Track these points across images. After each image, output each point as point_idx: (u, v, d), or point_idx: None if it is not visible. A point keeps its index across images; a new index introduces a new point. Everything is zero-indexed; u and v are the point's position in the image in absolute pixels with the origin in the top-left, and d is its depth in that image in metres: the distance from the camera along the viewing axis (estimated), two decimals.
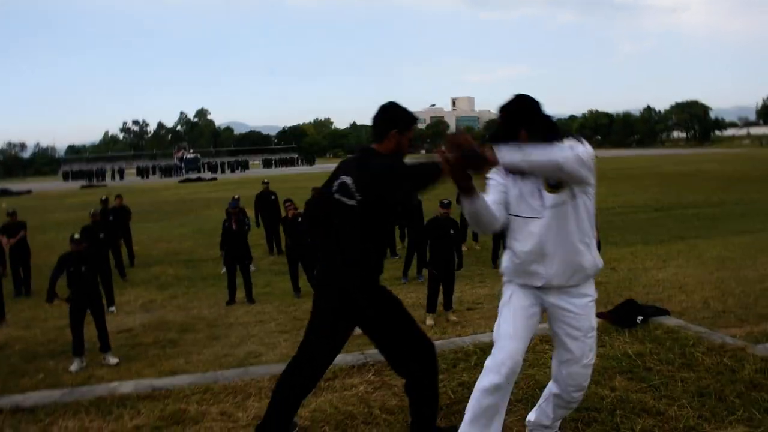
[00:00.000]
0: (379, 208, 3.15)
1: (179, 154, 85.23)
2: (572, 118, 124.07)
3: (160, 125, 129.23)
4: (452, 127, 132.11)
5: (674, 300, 8.51)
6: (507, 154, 2.54)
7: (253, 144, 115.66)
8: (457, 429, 3.31)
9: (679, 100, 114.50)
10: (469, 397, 3.02)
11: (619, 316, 5.04)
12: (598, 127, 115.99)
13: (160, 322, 9.71)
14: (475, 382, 3.87)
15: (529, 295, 2.98)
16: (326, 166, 75.86)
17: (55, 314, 10.50)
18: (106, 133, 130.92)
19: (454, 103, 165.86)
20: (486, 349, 4.37)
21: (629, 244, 14.18)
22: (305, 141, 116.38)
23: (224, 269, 11.13)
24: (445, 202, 8.71)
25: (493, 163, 2.56)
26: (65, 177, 75.81)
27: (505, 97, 2.89)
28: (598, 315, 5.16)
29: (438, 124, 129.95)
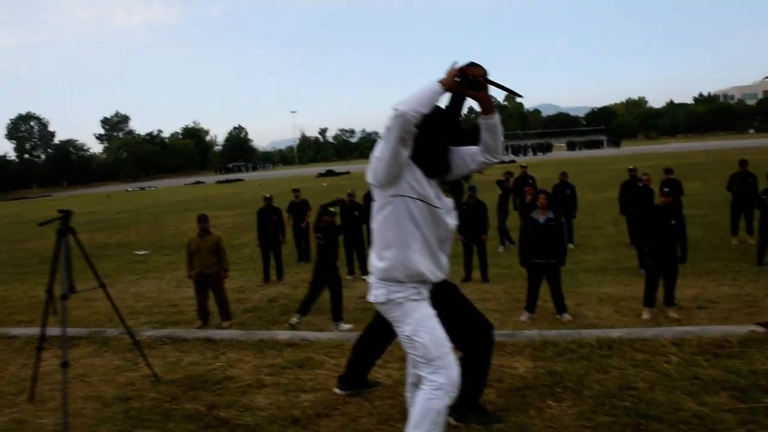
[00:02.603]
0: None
1: None
2: None
3: (470, 109, 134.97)
4: None
5: None
6: None
7: (560, 126, 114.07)
8: (500, 416, 3.40)
9: None
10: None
11: None
12: None
13: None
14: (565, 373, 3.85)
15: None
16: (633, 149, 71.84)
17: None
18: None
19: None
20: (607, 344, 4.23)
21: None
22: (615, 122, 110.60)
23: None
24: (666, 190, 7.99)
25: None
26: None
27: None
28: (762, 324, 4.49)
29: None
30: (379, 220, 2.88)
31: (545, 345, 4.43)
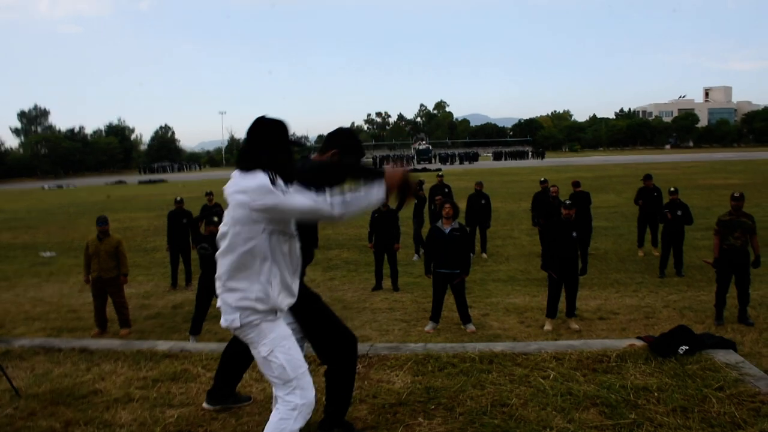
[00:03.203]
0: None
1: (416, 145, 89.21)
2: None
3: (400, 117, 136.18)
4: (703, 121, 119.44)
5: None
6: None
7: (487, 136, 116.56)
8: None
9: None
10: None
11: (661, 342, 4.34)
12: None
13: None
14: (442, 388, 3.77)
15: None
16: (556, 161, 74.04)
17: None
18: (352, 123, 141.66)
19: (707, 94, 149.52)
20: (489, 359, 4.19)
21: None
22: (540, 134, 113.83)
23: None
24: (568, 203, 8.16)
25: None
26: None
27: None
28: (641, 338, 4.57)
29: (687, 117, 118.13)
30: (237, 252, 2.72)
31: (427, 359, 4.36)
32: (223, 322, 2.84)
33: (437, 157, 79.72)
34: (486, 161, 79.28)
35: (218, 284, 2.83)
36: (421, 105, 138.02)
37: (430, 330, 8.31)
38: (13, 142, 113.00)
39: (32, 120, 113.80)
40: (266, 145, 2.72)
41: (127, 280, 9.16)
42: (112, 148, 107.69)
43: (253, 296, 2.72)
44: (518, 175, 43.57)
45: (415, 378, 4.09)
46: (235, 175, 2.75)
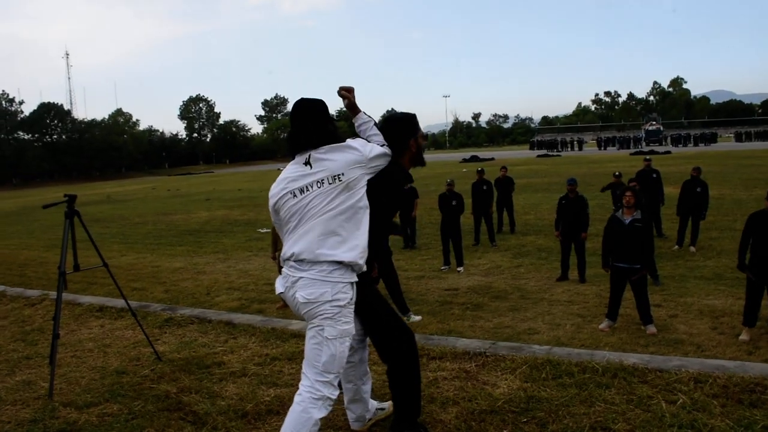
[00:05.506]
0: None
1: (646, 126, 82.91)
2: None
3: (631, 96, 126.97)
4: None
5: None
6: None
7: (730, 114, 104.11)
8: None
9: None
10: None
11: None
12: None
13: (484, 287, 10.20)
14: (546, 399, 3.41)
15: None
16: None
17: None
18: (579, 104, 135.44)
19: None
20: (614, 372, 3.72)
21: None
22: None
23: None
24: None
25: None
26: (531, 146, 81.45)
27: None
28: None
29: None
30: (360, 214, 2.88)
31: (545, 364, 3.92)
32: (304, 295, 2.79)
33: (668, 139, 73.11)
34: (726, 142, 70.83)
35: (321, 251, 2.82)
36: (655, 82, 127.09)
37: (604, 328, 7.60)
38: (257, 128, 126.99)
39: (273, 108, 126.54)
40: (327, 120, 3.10)
41: None
42: (343, 132, 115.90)
43: (361, 255, 2.84)
44: (761, 158, 38.23)
45: (523, 384, 3.70)
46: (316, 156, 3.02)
